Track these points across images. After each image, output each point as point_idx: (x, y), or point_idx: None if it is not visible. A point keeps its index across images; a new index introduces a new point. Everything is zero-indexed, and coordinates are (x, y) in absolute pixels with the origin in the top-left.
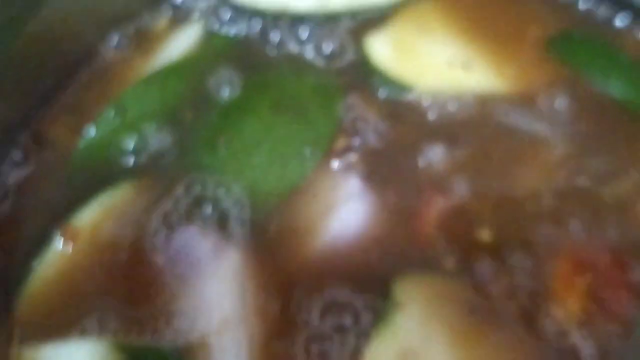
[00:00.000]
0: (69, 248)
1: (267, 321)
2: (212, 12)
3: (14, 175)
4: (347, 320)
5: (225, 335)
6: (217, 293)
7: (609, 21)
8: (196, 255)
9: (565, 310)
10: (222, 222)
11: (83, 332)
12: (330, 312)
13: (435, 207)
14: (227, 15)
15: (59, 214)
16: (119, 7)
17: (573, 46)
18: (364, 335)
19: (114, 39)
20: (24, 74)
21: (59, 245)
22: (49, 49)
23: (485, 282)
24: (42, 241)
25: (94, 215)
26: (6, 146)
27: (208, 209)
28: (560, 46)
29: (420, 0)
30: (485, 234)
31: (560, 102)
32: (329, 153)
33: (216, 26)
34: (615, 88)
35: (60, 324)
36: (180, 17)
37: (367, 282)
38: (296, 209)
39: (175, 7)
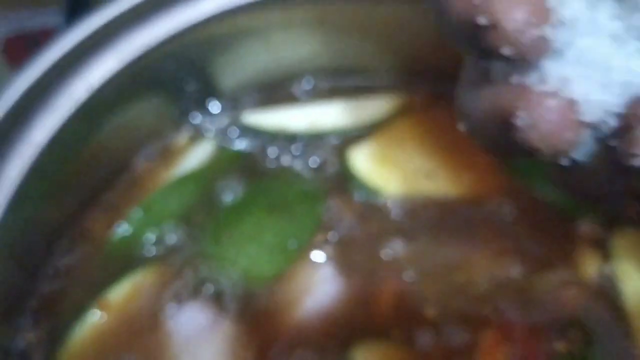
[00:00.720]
0: (103, 317)
1: None
2: (224, 131)
3: (63, 260)
4: None
5: None
6: (213, 356)
7: None
8: (197, 324)
9: None
10: (219, 299)
11: None
12: None
13: (391, 290)
14: (235, 133)
15: (96, 291)
16: (148, 128)
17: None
18: None
19: (144, 153)
20: (72, 182)
21: (95, 315)
22: (92, 162)
23: (426, 348)
24: (81, 311)
25: (123, 292)
26: (58, 238)
27: (210, 288)
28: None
29: (397, 119)
30: (430, 311)
31: (505, 206)
32: (309, 245)
33: (226, 142)
34: (551, 193)
35: None
36: (197, 135)
37: (332, 347)
38: (280, 290)
39: (194, 127)
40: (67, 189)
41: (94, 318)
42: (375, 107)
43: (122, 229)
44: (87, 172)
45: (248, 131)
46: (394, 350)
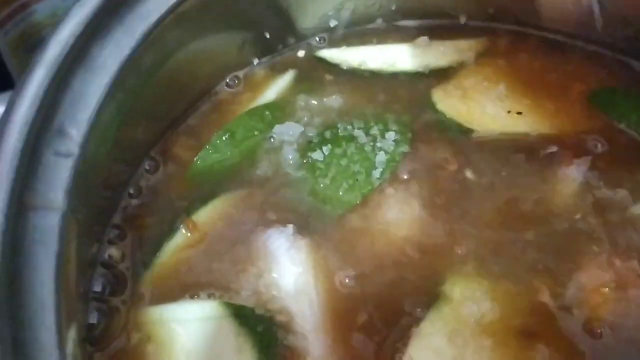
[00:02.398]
0: (189, 236)
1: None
2: (302, 65)
3: (145, 180)
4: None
5: (301, 301)
6: (294, 273)
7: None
8: (278, 245)
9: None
10: (304, 224)
11: (193, 297)
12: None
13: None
14: (314, 67)
15: (182, 211)
16: (231, 58)
17: (613, 99)
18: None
19: (226, 81)
20: (158, 105)
21: (182, 234)
22: (175, 86)
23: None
24: (167, 229)
25: (208, 215)
26: (141, 158)
27: (294, 215)
28: (601, 99)
29: (482, 61)
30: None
31: (597, 144)
32: (393, 177)
33: (305, 75)
34: None
35: (177, 291)
36: (277, 67)
37: (422, 279)
38: (363, 216)
39: (275, 60)
40: (152, 111)
41: (181, 236)
42: (457, 49)
43: (206, 153)
44: (171, 95)
45: (326, 65)
46: (487, 283)
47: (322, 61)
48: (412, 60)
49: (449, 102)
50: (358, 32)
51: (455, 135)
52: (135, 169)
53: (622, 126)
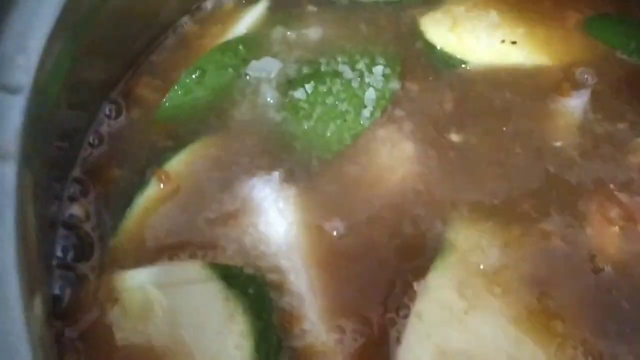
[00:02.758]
0: (162, 188)
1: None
2: None
3: (107, 126)
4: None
5: (293, 257)
6: (283, 225)
7: None
8: (263, 196)
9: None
10: (291, 171)
11: (172, 258)
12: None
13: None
14: None
15: (152, 161)
16: None
17: (609, 26)
18: None
19: (192, 15)
20: (116, 39)
21: (154, 187)
22: (138, 16)
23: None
24: (140, 182)
25: (182, 163)
26: (100, 102)
27: (280, 161)
28: (597, 24)
29: None
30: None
31: (594, 75)
32: (384, 116)
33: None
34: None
35: (153, 252)
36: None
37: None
38: (352, 160)
39: None
40: (108, 46)
41: (153, 189)
42: None
43: (174, 93)
44: (130, 27)
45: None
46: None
47: None
48: None
49: (438, 32)
50: None
51: (447, 67)
52: (95, 113)
53: (620, 54)
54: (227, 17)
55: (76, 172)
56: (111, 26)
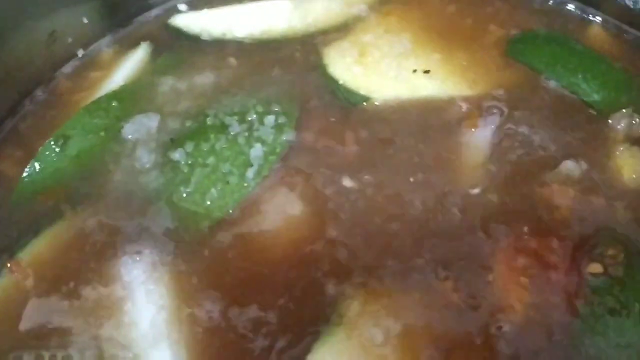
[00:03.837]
0: (16, 280)
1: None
2: (154, 39)
3: None
4: None
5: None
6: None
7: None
8: (132, 279)
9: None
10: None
11: None
12: None
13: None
14: (168, 40)
15: (5, 248)
16: (73, 34)
17: (536, 46)
18: None
19: (61, 71)
20: None
21: (5, 280)
22: None
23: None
24: None
25: (38, 250)
26: None
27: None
28: (522, 46)
29: (379, 10)
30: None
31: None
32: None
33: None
34: (576, 85)
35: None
36: (123, 48)
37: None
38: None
39: (119, 39)
40: None
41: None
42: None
43: (32, 169)
44: None
45: (184, 37)
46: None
47: (178, 32)
48: (291, 21)
49: (342, 64)
50: None
51: (351, 105)
52: None
53: (544, 78)
54: (103, 66)
55: None
56: None
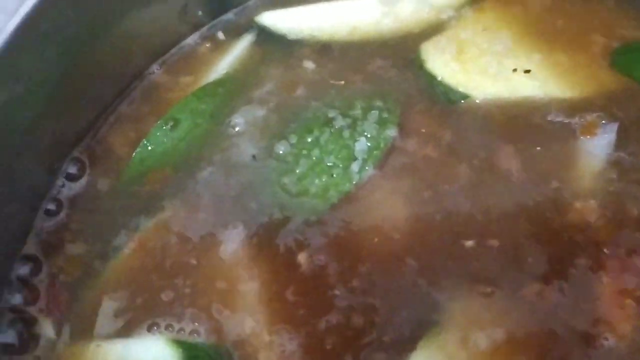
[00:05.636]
0: (131, 253)
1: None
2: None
3: (68, 189)
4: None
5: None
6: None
7: None
8: (234, 263)
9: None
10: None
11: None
12: None
13: None
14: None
15: (118, 227)
16: (164, 35)
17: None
18: None
19: (162, 61)
20: (81, 91)
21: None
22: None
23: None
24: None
25: (152, 228)
26: (62, 158)
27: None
28: (625, 57)
29: (481, 6)
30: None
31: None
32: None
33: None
34: None
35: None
36: (219, 44)
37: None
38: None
39: (214, 36)
40: (73, 98)
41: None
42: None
43: (144, 149)
44: (96, 80)
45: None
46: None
47: (266, 31)
48: (380, 21)
49: (440, 60)
50: None
51: (449, 102)
52: (55, 174)
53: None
54: (203, 61)
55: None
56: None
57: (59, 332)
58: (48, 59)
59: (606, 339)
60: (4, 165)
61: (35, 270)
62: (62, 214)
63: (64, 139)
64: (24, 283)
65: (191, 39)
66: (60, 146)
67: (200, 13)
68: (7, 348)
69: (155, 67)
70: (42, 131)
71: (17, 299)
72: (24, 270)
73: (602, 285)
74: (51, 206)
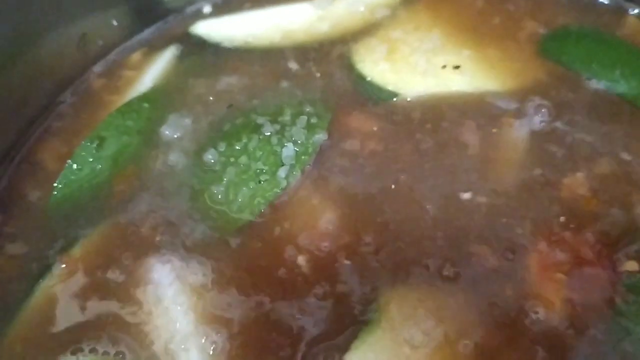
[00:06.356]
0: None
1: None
2: (177, 46)
3: None
4: None
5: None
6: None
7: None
8: (160, 281)
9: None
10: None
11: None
12: None
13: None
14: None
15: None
16: (101, 37)
17: (569, 44)
18: None
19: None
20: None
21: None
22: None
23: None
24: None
25: (81, 250)
26: None
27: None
28: (555, 44)
29: (412, 6)
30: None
31: (546, 102)
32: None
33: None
34: (616, 82)
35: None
36: (150, 51)
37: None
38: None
39: (146, 42)
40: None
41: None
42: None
43: (69, 170)
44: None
45: (205, 45)
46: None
47: (199, 39)
48: (315, 24)
49: (370, 61)
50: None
51: (379, 101)
52: None
53: (583, 77)
54: (133, 69)
55: None
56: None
57: None
58: None
59: (536, 312)
60: None
61: None
62: None
63: None
64: None
65: (111, 58)
66: None
67: (101, 43)
68: None
69: (69, 93)
70: None
71: None
72: None
73: (533, 260)
74: None
